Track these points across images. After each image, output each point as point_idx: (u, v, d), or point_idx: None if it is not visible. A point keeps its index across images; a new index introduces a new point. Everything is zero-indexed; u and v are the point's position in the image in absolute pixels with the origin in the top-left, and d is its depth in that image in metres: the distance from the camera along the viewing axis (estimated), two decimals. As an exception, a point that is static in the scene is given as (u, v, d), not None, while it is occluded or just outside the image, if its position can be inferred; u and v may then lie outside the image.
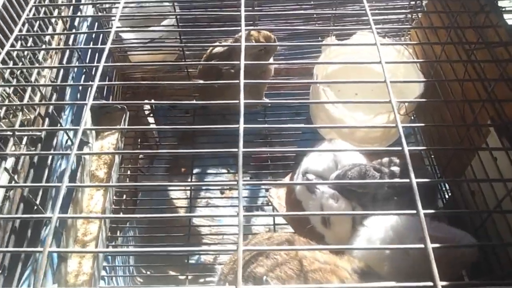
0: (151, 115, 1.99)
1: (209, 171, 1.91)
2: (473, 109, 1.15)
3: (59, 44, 1.23)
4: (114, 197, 1.45)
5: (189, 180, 1.69)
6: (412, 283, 0.59)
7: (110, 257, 1.37)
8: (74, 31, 1.28)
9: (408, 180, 0.69)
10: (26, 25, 0.95)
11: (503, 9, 1.06)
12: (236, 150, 0.72)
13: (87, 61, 1.38)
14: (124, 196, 1.56)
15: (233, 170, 1.91)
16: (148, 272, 1.56)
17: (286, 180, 1.48)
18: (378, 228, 1.07)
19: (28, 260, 0.99)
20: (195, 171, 1.83)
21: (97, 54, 1.41)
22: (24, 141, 1.05)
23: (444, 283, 0.58)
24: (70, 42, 1.27)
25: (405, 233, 1.01)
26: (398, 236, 1.02)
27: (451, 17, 1.22)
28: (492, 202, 1.08)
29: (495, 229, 1.07)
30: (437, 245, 0.62)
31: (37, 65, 1.09)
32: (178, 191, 1.73)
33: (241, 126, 0.74)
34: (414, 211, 0.65)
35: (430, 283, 0.58)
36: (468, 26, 1.13)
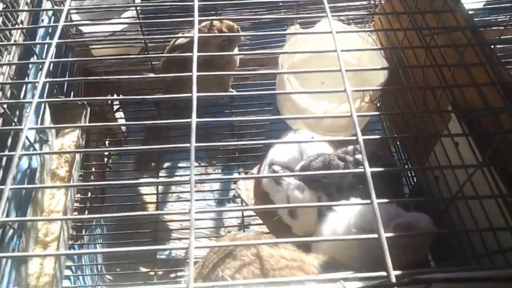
0: (120, 109, 1.95)
1: (179, 164, 1.88)
2: (435, 94, 1.15)
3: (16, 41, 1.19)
4: (79, 195, 1.42)
5: (158, 174, 1.66)
6: (366, 273, 0.59)
7: (75, 256, 1.34)
8: (26, 26, 1.24)
9: (362, 170, 0.68)
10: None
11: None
12: (188, 145, 0.70)
13: (43, 57, 1.33)
14: (89, 194, 1.53)
15: (204, 163, 1.89)
16: (118, 269, 1.54)
17: (254, 171, 1.47)
18: (345, 216, 1.07)
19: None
20: (165, 165, 1.81)
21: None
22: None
23: (397, 272, 0.57)
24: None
25: (367, 222, 1.01)
26: (366, 222, 1.02)
27: (412, 3, 1.21)
28: (454, 187, 1.09)
29: (458, 214, 1.08)
30: (390, 234, 0.61)
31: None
32: (147, 186, 1.70)
33: (193, 120, 0.72)
34: (369, 201, 0.65)
35: (384, 273, 0.58)
36: (427, 11, 1.12)
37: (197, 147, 0.70)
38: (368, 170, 0.68)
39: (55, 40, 0.85)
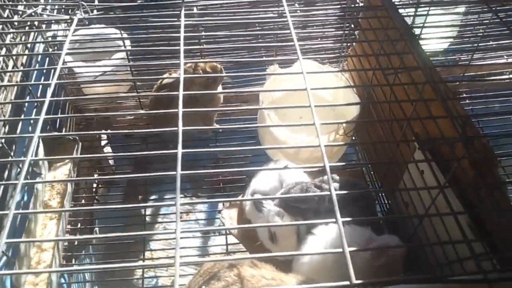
0: (108, 144, 2.03)
1: (166, 196, 1.95)
2: (401, 127, 1.26)
3: (10, 81, 1.28)
4: (69, 226, 1.48)
5: (144, 209, 1.73)
6: (330, 283, 0.66)
7: (65, 285, 1.39)
8: (23, 68, 1.33)
9: (328, 193, 0.77)
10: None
11: (418, 36, 1.19)
12: (174, 173, 0.79)
13: (38, 95, 1.42)
14: (79, 225, 1.59)
15: (190, 194, 1.97)
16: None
17: (228, 199, 1.55)
18: (323, 239, 1.15)
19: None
20: (152, 197, 1.88)
21: (48, 89, 1.45)
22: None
23: (358, 281, 0.66)
24: (19, 79, 1.31)
25: (349, 243, 1.09)
26: (340, 246, 1.09)
27: (378, 45, 1.34)
28: (421, 211, 1.18)
29: (425, 233, 1.17)
30: (353, 248, 0.70)
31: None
32: (134, 217, 1.77)
33: (179, 151, 0.81)
34: (334, 220, 0.74)
35: (347, 282, 0.66)
36: (391, 52, 1.25)
37: (182, 174, 0.79)
38: (334, 192, 0.77)
39: (54, 80, 0.95)
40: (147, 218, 1.71)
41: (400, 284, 0.68)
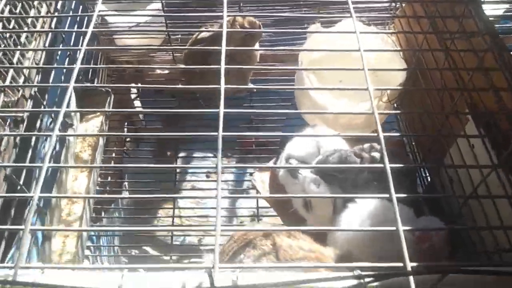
0: (138, 98, 1.99)
1: (195, 154, 1.92)
2: (452, 97, 1.17)
3: (43, 27, 1.23)
4: (99, 179, 1.46)
5: (176, 162, 1.70)
6: (383, 264, 0.61)
7: (94, 237, 1.39)
8: (57, 14, 1.28)
9: (382, 165, 0.71)
10: (8, 6, 0.95)
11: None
12: (216, 133, 0.73)
13: (71, 44, 1.38)
14: (109, 178, 1.57)
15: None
16: (133, 252, 1.58)
17: (271, 164, 1.50)
18: (361, 211, 1.10)
19: (12, 240, 1.01)
20: (180, 154, 1.85)
21: (81, 37, 1.41)
22: (7, 122, 1.05)
23: (413, 264, 0.60)
24: (53, 26, 1.26)
25: (383, 218, 1.03)
26: (383, 217, 1.04)
27: (432, 7, 1.23)
28: (469, 190, 1.11)
29: (472, 216, 1.10)
30: (408, 227, 0.64)
31: (19, 47, 1.08)
32: (163, 174, 1.74)
33: (221, 110, 0.75)
34: (387, 195, 0.68)
35: (401, 264, 0.60)
36: (448, 15, 1.15)
37: (224, 135, 0.74)
38: (388, 165, 0.70)
39: (90, 28, 0.89)
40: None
41: (458, 273, 0.62)
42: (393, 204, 0.66)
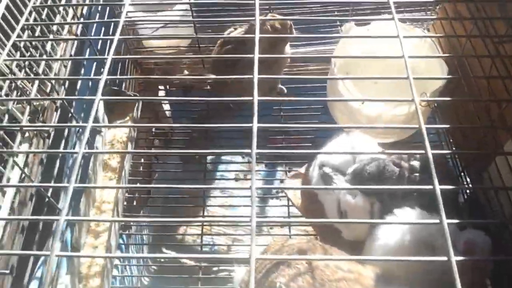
0: (166, 102, 1.96)
1: (223, 158, 1.89)
2: (499, 104, 1.09)
3: (70, 31, 1.21)
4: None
5: (206, 168, 1.67)
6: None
7: (123, 246, 1.37)
8: (83, 20, 1.25)
9: (431, 187, 0.64)
10: (33, 14, 0.92)
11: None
12: (251, 125, 0.68)
13: (98, 47, 1.35)
14: (138, 183, 1.55)
15: (248, 157, 1.89)
16: (162, 260, 1.56)
17: (302, 170, 1.45)
18: (397, 227, 1.04)
19: (38, 259, 0.99)
20: (209, 158, 1.81)
21: (108, 42, 1.38)
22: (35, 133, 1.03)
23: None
24: (79, 32, 1.24)
25: (425, 233, 0.97)
26: (427, 235, 0.98)
27: (478, 6, 1.15)
28: (516, 201, 1.03)
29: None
30: (461, 258, 0.58)
31: (45, 56, 1.06)
32: (192, 180, 1.71)
33: (255, 125, 0.70)
34: (438, 221, 0.62)
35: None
36: (496, 16, 1.06)
37: (259, 127, 0.68)
38: (438, 187, 0.64)
39: (117, 36, 0.85)
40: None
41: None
42: (445, 231, 0.60)
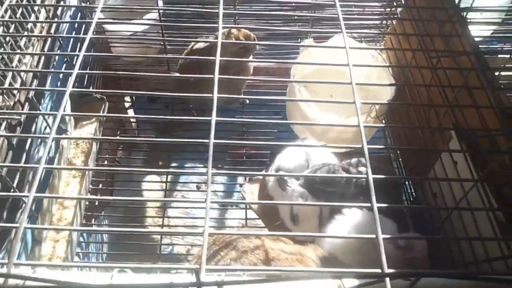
0: (131, 107, 2.01)
1: (186, 165, 1.94)
2: (438, 114, 1.21)
3: (41, 33, 1.25)
4: (90, 186, 1.47)
5: (166, 174, 1.72)
6: (362, 269, 0.64)
7: (83, 244, 1.40)
8: (56, 20, 1.30)
9: (365, 176, 0.74)
10: (9, 11, 0.97)
11: (469, 20, 1.13)
12: (207, 141, 0.76)
13: (68, 50, 1.40)
14: (100, 186, 1.59)
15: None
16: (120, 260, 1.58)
17: (260, 176, 1.52)
18: (346, 224, 1.13)
19: (3, 244, 1.02)
20: (172, 164, 1.86)
21: (78, 44, 1.43)
22: (3, 126, 1.07)
23: (391, 270, 0.63)
24: (53, 31, 1.29)
25: (369, 230, 1.06)
26: (364, 233, 1.07)
27: (422, 25, 1.28)
28: (451, 204, 1.14)
29: (452, 228, 1.13)
30: (387, 236, 0.67)
31: (19, 51, 1.10)
32: (154, 183, 1.76)
33: (213, 118, 0.78)
34: (369, 204, 0.71)
35: (379, 270, 0.63)
36: (436, 34, 1.19)
37: (215, 143, 0.76)
38: (371, 176, 0.73)
39: (89, 35, 0.92)
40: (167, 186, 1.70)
41: (431, 277, 0.65)
42: (374, 213, 0.69)
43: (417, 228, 1.26)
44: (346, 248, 1.08)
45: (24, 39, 1.14)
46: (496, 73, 1.89)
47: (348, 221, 1.13)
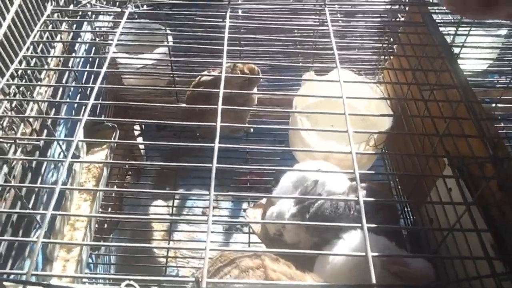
0: (140, 135, 2.10)
1: (192, 191, 2.01)
2: (432, 144, 1.28)
3: (58, 66, 1.35)
4: (100, 209, 1.54)
5: (172, 199, 1.79)
6: (352, 285, 0.69)
7: (92, 265, 1.45)
8: (73, 54, 1.40)
9: (356, 199, 0.80)
10: (31, 47, 1.06)
11: (457, 55, 1.20)
12: (210, 165, 0.83)
13: (83, 82, 1.49)
14: (109, 209, 1.65)
15: (216, 191, 2.01)
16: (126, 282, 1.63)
17: (263, 201, 1.58)
18: (343, 251, 1.17)
19: (16, 260, 1.08)
20: (179, 190, 1.93)
21: (92, 76, 1.53)
22: (18, 152, 1.15)
23: (379, 284, 0.68)
24: (69, 65, 1.38)
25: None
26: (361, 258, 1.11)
27: (416, 61, 1.36)
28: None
29: (448, 253, 1.18)
30: (376, 254, 0.73)
31: (40, 83, 1.19)
32: (161, 207, 1.82)
33: (216, 144, 0.86)
34: (359, 225, 0.77)
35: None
36: (428, 69, 1.27)
37: (217, 167, 0.83)
38: (361, 198, 0.80)
39: (104, 68, 1.01)
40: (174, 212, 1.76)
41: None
42: (364, 232, 0.75)
43: (416, 252, 1.30)
44: (343, 272, 1.12)
45: (43, 72, 1.23)
46: (493, 105, 1.97)
47: (347, 245, 1.17)
